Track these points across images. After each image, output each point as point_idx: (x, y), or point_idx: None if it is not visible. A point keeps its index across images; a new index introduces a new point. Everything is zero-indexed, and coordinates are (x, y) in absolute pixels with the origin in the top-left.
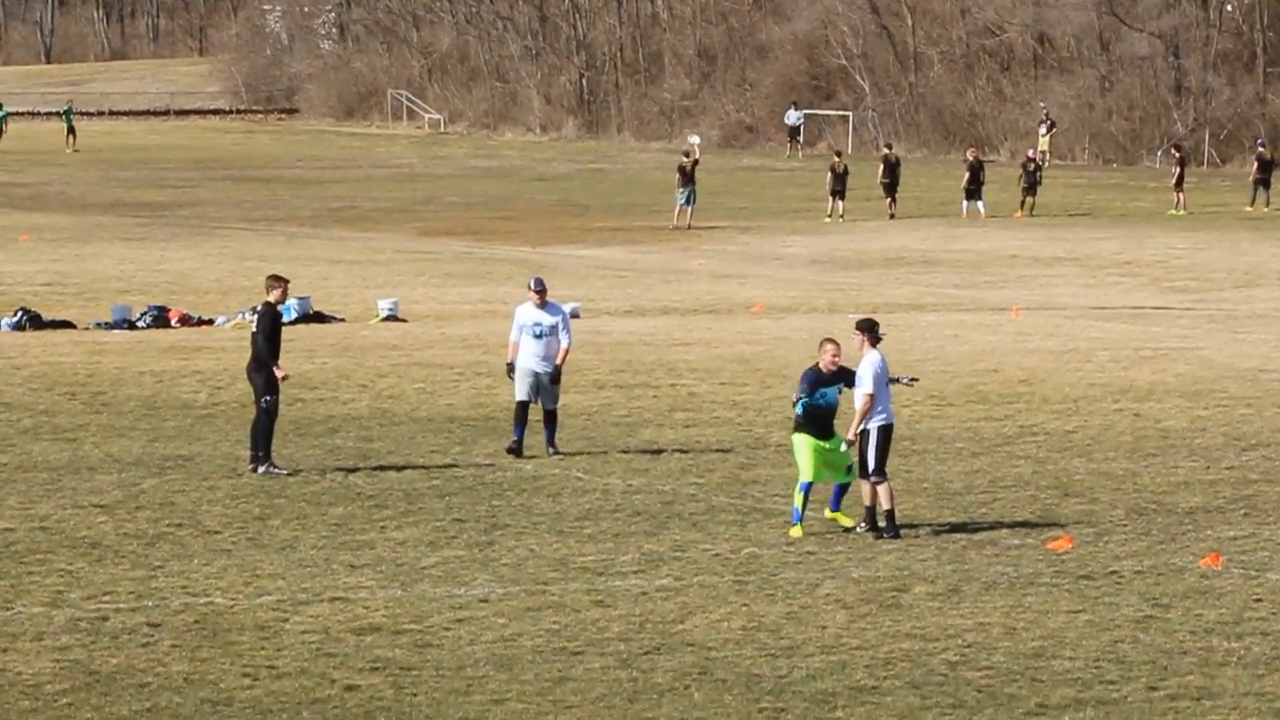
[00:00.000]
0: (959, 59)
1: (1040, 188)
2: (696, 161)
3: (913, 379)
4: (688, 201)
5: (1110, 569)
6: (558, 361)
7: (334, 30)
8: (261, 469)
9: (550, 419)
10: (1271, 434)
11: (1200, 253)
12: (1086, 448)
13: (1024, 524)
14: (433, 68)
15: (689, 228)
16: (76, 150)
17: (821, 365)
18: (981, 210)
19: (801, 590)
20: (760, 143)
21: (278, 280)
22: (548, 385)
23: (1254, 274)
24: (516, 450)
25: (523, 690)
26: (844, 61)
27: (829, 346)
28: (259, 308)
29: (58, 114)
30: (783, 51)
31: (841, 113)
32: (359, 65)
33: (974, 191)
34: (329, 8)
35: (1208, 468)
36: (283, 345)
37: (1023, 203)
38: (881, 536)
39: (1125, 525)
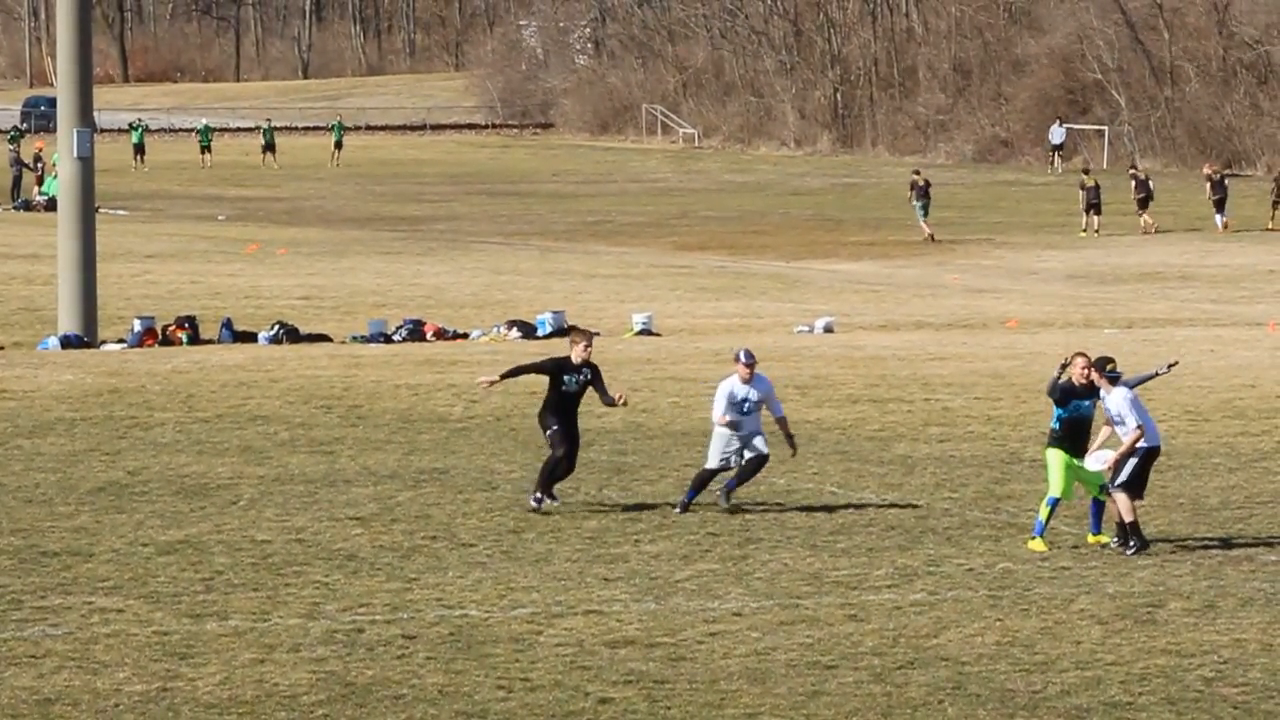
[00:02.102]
0: (1215, 73)
1: None
2: (929, 181)
3: (1171, 364)
4: (924, 213)
5: None
6: (788, 430)
7: (589, 45)
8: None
9: (759, 465)
10: None
11: None
12: None
13: None
14: (687, 82)
15: (933, 238)
16: (338, 165)
17: (1075, 379)
18: (1219, 222)
19: (1056, 605)
20: (1016, 157)
21: (582, 334)
22: (756, 439)
23: None
24: (684, 508)
25: (776, 704)
26: (1099, 76)
27: (1080, 359)
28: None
29: (325, 129)
30: (1038, 65)
31: (1097, 127)
32: (614, 80)
33: (1220, 204)
34: (585, 23)
35: None
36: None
37: (1274, 215)
38: (1131, 549)
39: None
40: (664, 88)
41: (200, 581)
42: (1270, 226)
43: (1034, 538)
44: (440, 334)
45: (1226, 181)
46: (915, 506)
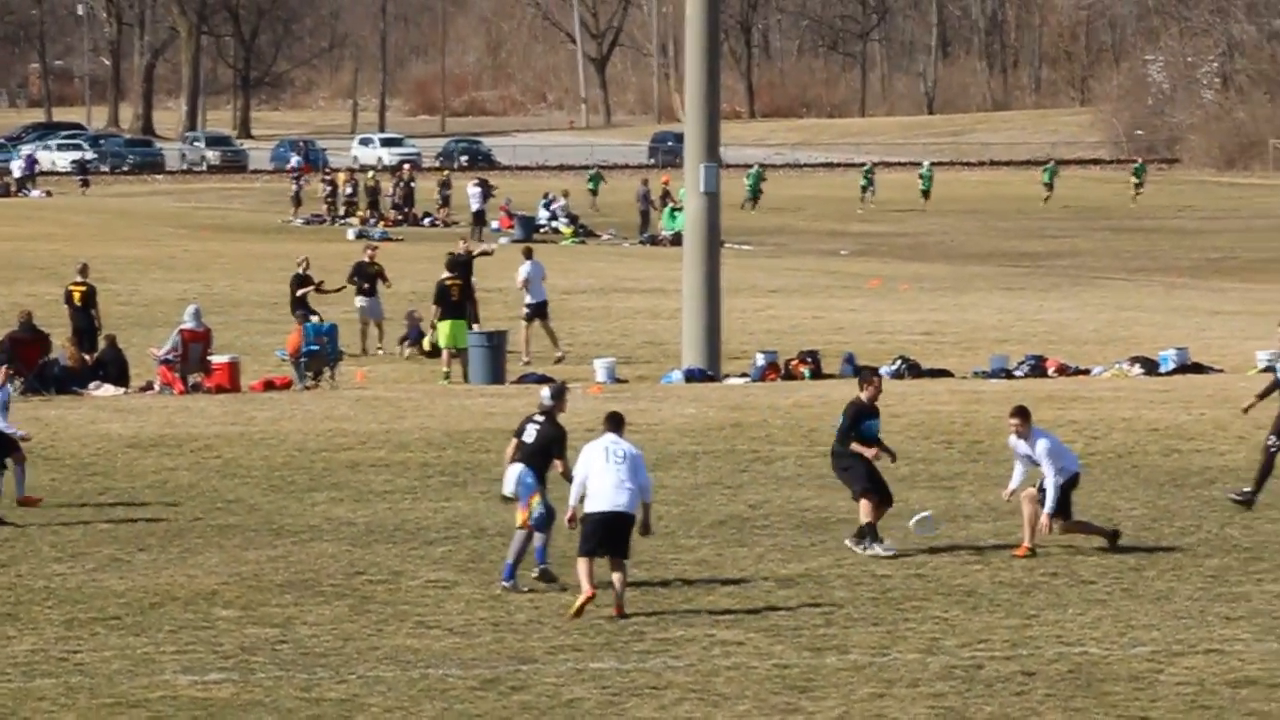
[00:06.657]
0: None
1: None
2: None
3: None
4: None
5: None
6: None
7: (1216, 80)
8: None
9: None
10: None
11: None
12: None
13: None
14: None
15: None
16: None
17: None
18: None
19: None
20: None
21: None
22: None
23: None
24: None
25: None
26: None
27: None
28: None
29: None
30: None
31: None
32: (1241, 115)
33: None
34: (1212, 58)
35: None
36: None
37: None
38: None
39: None
40: None
41: (820, 615)
42: None
43: None
44: (1062, 370)
45: None
46: None
